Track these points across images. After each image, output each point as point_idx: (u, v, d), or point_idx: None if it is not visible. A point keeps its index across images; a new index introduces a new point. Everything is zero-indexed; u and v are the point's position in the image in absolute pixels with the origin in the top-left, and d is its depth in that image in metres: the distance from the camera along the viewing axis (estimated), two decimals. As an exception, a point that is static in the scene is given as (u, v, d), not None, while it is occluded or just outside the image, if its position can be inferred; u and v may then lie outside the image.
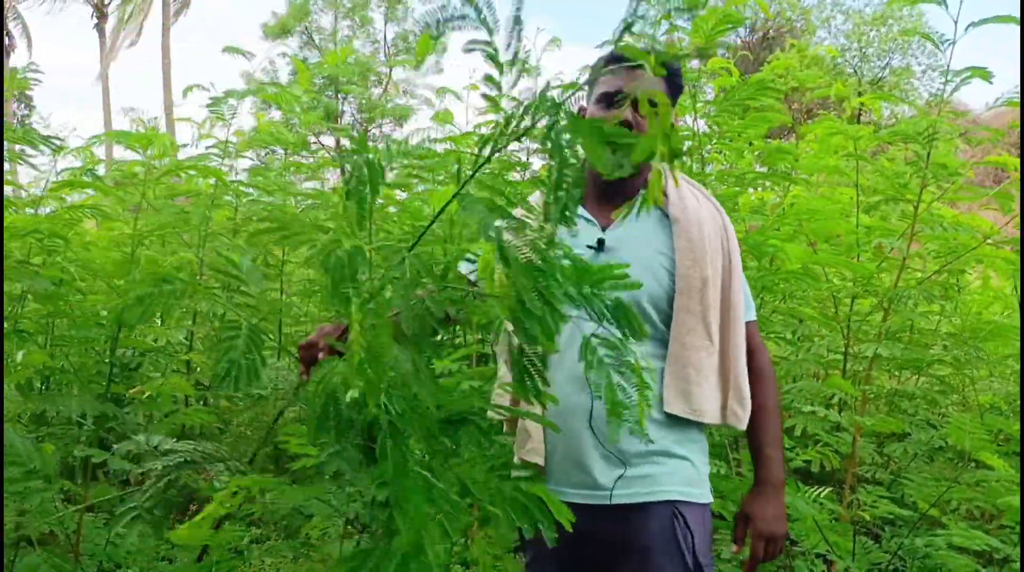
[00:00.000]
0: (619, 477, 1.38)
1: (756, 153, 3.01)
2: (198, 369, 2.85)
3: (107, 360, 2.77)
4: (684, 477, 1.41)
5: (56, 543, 2.64)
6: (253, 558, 2.41)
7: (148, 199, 2.79)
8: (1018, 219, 2.55)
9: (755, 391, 1.50)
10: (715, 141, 2.71)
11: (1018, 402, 3.38)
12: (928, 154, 2.41)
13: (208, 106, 2.70)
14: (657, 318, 1.46)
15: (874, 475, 2.85)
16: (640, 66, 1.38)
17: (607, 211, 1.53)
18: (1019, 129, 2.46)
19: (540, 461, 1.46)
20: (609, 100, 1.49)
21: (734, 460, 2.38)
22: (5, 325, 2.50)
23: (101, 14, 22.56)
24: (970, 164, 2.68)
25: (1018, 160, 2.73)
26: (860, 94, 3.17)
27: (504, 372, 1.56)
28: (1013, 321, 3.33)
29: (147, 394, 1.91)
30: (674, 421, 1.42)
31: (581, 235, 1.51)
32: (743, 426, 1.47)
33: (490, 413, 1.51)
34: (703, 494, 1.44)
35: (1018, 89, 2.33)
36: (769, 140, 3.12)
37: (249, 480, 1.42)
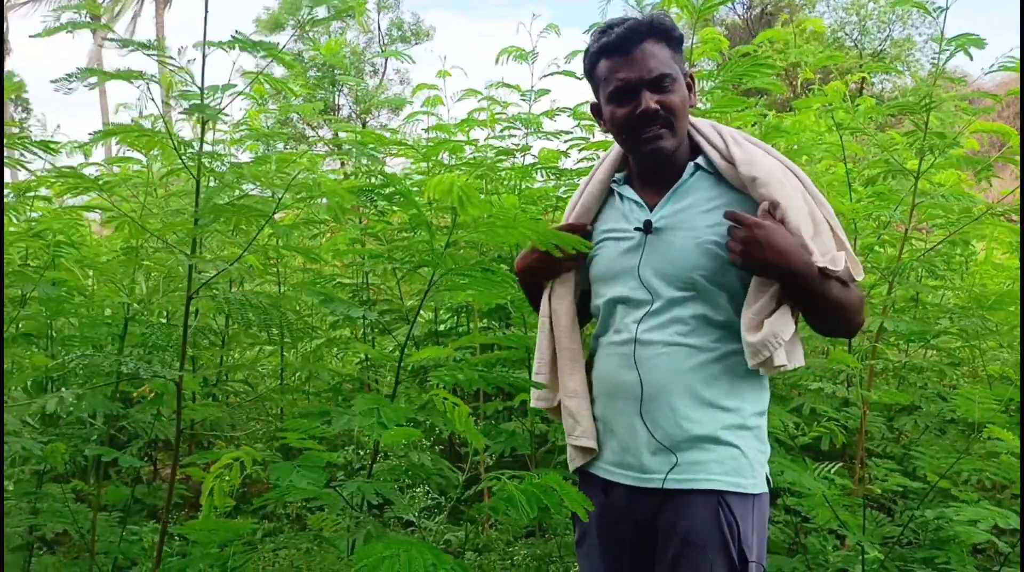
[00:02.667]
0: (673, 466, 1.34)
1: (752, 124, 2.96)
2: (202, 364, 2.85)
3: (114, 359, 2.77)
4: (731, 466, 1.34)
5: (70, 543, 2.66)
6: (266, 551, 2.41)
7: (148, 204, 2.79)
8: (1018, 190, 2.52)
9: None
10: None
11: (1027, 371, 3.36)
12: (926, 124, 2.39)
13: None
14: (721, 296, 1.36)
15: (885, 449, 2.84)
16: (631, 50, 1.36)
17: (656, 190, 1.44)
18: (1018, 99, 2.44)
19: (592, 444, 1.43)
20: (621, 94, 1.40)
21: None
22: (6, 330, 2.50)
23: (94, 16, 22.47)
24: (962, 131, 2.65)
25: (1014, 130, 2.71)
26: (861, 67, 3.13)
27: (541, 357, 1.53)
28: (1015, 290, 3.30)
29: (153, 393, 1.91)
30: (726, 407, 1.36)
31: (631, 218, 1.44)
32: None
33: (534, 402, 1.50)
34: (753, 484, 1.36)
35: (1014, 52, 2.30)
36: (767, 116, 3.08)
37: (243, 451, 1.42)
